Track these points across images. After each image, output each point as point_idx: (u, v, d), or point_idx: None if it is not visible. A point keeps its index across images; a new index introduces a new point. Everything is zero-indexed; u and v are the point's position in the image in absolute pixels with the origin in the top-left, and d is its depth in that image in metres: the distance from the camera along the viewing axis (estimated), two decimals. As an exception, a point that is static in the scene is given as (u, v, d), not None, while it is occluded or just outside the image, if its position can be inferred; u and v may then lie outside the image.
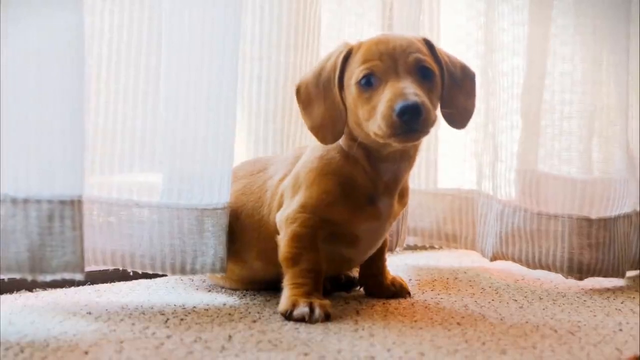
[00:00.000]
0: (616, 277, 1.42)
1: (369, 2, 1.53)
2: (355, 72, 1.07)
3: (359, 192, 1.12)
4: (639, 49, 1.58)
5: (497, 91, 1.50)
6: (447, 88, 1.11)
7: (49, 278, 0.99)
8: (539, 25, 1.47)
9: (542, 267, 1.43)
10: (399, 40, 1.08)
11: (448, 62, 1.13)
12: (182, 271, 1.16)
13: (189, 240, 1.16)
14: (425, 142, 1.60)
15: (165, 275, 1.31)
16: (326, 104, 1.11)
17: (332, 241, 1.13)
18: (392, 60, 1.05)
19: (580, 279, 1.41)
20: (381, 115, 1.02)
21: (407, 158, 1.13)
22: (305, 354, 0.89)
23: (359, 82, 1.06)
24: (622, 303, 1.25)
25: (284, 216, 1.12)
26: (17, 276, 0.99)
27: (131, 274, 1.22)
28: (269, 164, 1.24)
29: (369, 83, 1.06)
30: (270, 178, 1.20)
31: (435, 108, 1.08)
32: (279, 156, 1.28)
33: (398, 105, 1.00)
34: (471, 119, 1.16)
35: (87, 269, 1.26)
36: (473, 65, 1.56)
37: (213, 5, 1.14)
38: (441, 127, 1.64)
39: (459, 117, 1.14)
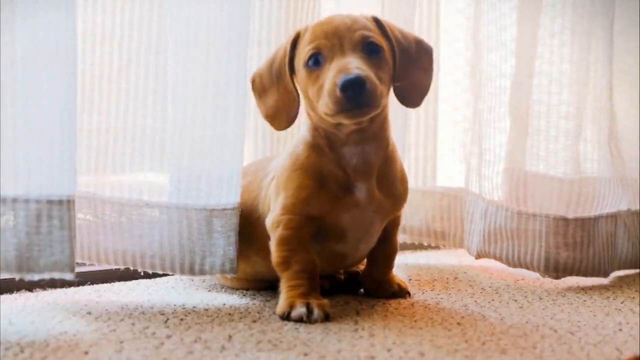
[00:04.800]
0: (597, 276, 1.43)
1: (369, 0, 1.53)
2: (302, 53, 1.08)
3: (331, 182, 1.11)
4: (639, 48, 1.58)
5: (487, 92, 1.49)
6: (400, 64, 1.11)
7: (36, 277, 0.99)
8: (528, 26, 1.47)
9: (521, 266, 1.43)
10: (344, 18, 1.09)
11: (400, 37, 1.13)
12: (192, 272, 1.17)
13: (198, 240, 1.16)
14: (422, 139, 1.62)
15: (167, 275, 1.31)
16: (279, 92, 1.12)
17: (320, 238, 1.13)
18: (337, 38, 1.06)
19: (557, 277, 1.41)
20: (327, 92, 1.03)
21: (371, 139, 1.12)
22: (305, 354, 0.89)
23: (306, 63, 1.07)
24: (622, 303, 1.25)
25: (270, 221, 1.13)
26: (5, 275, 0.99)
27: (132, 271, 1.22)
28: (270, 162, 1.24)
29: (316, 63, 1.07)
30: (265, 177, 1.20)
31: (385, 84, 1.07)
32: (278, 155, 1.28)
33: (340, 80, 1.00)
34: (426, 96, 1.16)
35: (89, 268, 1.28)
36: (470, 64, 1.58)
37: (220, 2, 1.14)
38: (440, 126, 1.65)
39: (413, 93, 1.14)
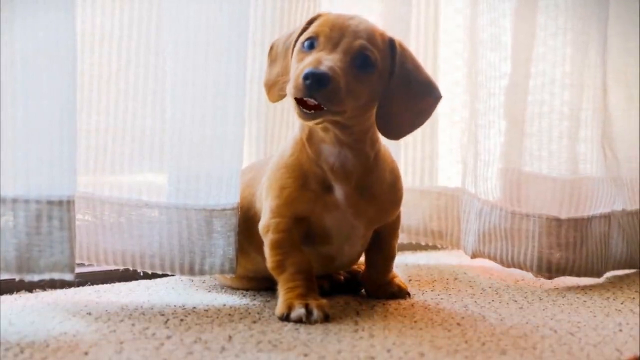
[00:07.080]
0: (590, 276, 1.43)
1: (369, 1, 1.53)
2: (306, 34, 1.08)
3: (311, 180, 1.11)
4: (639, 48, 1.59)
5: (484, 92, 1.49)
6: (391, 90, 1.09)
7: (36, 278, 0.99)
8: (525, 26, 1.47)
9: (514, 266, 1.44)
10: (358, 23, 1.08)
11: (409, 67, 1.11)
12: (191, 272, 1.17)
13: (198, 241, 1.16)
14: (420, 139, 1.62)
15: (167, 276, 1.30)
16: (282, 64, 1.13)
17: (307, 240, 1.13)
18: (339, 35, 1.06)
19: (550, 278, 1.42)
20: (294, 75, 1.03)
21: (347, 147, 1.10)
22: (305, 355, 0.89)
23: (302, 43, 1.08)
24: (622, 303, 1.25)
25: (261, 226, 1.13)
26: (5, 276, 1.00)
27: (132, 271, 1.22)
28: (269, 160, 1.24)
29: (310, 46, 1.07)
30: (265, 174, 1.20)
31: (356, 97, 1.05)
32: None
33: (307, 69, 1.00)
34: (408, 134, 1.15)
35: (89, 269, 1.27)
36: (468, 65, 1.58)
37: (220, 3, 1.14)
38: (439, 127, 1.65)
39: (393, 125, 1.11)
